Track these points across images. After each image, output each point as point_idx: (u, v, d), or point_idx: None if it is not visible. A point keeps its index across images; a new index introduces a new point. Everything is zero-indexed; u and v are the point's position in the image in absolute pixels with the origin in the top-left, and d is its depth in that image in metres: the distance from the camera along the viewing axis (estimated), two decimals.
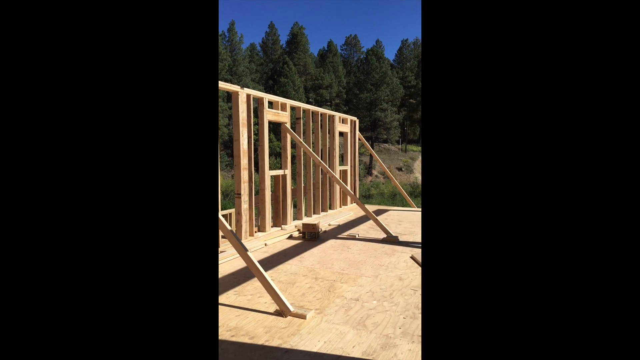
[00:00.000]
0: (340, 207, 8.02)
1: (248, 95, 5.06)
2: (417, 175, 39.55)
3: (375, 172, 39.14)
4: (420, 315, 2.72)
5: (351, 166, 8.38)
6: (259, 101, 5.46)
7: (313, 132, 7.13)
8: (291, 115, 6.45)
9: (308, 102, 43.68)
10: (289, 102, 6.06)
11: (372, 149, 42.47)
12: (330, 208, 7.68)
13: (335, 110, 43.53)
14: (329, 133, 7.52)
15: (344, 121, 8.03)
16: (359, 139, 8.66)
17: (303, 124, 6.58)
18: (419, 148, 46.28)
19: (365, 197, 29.97)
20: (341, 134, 8.44)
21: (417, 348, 2.27)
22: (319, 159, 6.22)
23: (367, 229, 5.88)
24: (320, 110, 7.08)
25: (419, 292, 3.20)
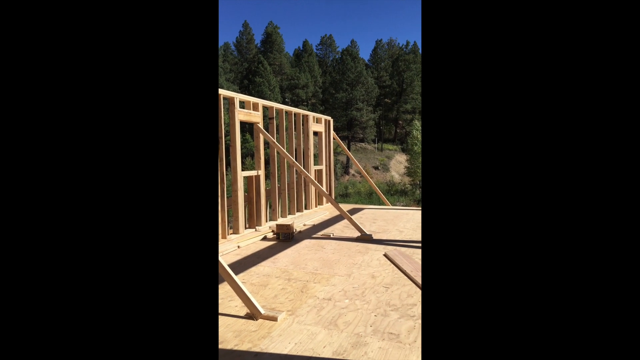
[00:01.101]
0: (316, 206, 8.01)
1: (218, 95, 4.96)
2: (393, 173, 40.17)
3: (352, 171, 39.45)
4: (391, 313, 2.75)
5: (326, 166, 8.39)
6: (230, 101, 5.37)
7: (287, 132, 7.09)
8: (264, 115, 6.39)
9: (284, 102, 43.48)
10: (261, 102, 5.99)
11: (349, 148, 42.81)
12: (305, 208, 7.66)
13: (312, 110, 43.57)
14: (303, 133, 7.49)
15: (318, 121, 8.03)
16: (334, 139, 8.69)
17: (276, 124, 6.53)
18: (395, 147, 47.03)
19: (342, 196, 30.15)
20: (315, 133, 8.44)
21: (387, 345, 2.29)
22: (293, 159, 6.19)
23: (342, 228, 5.90)
24: (294, 110, 7.05)
25: (391, 289, 3.23)
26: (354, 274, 3.67)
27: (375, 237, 5.23)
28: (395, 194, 30.54)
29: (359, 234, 5.25)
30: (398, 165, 42.11)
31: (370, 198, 27.88)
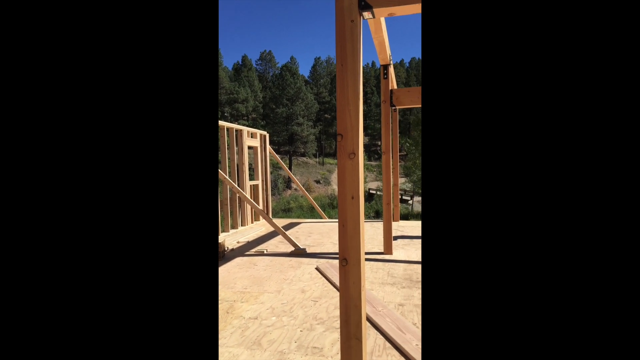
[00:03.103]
0: (252, 222, 7.85)
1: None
2: (335, 187, 40.99)
3: (294, 186, 39.51)
4: (317, 326, 2.74)
5: (262, 181, 8.29)
6: None
7: (219, 147, 6.89)
8: None
9: (223, 116, 42.55)
10: None
11: (291, 162, 42.92)
12: (241, 224, 7.46)
13: (252, 125, 43.11)
14: (237, 148, 7.35)
15: (253, 135, 7.95)
16: (270, 154, 8.64)
17: None
18: (335, 161, 48.15)
19: (284, 211, 29.99)
20: (251, 148, 8.33)
21: None
22: (226, 176, 6.03)
23: (276, 244, 5.83)
24: (227, 124, 6.90)
25: (319, 302, 3.24)
26: (284, 289, 3.62)
27: (309, 250, 5.25)
28: (337, 207, 31.13)
29: (293, 249, 5.23)
30: None
31: (313, 212, 28.11)
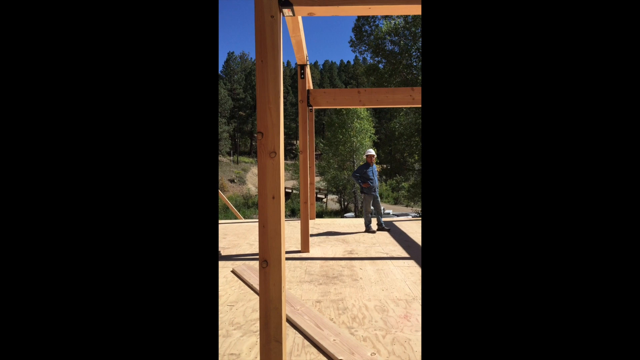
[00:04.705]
0: None
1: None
2: (250, 186, 40.26)
3: None
4: (233, 332, 2.63)
5: None
6: None
7: None
8: None
9: None
10: None
11: None
12: None
13: None
14: None
15: None
16: None
17: None
18: (251, 159, 47.35)
19: None
20: None
21: None
22: None
23: None
24: None
25: (236, 306, 3.12)
26: None
27: (224, 253, 5.03)
28: (252, 207, 30.61)
29: None
30: (254, 177, 42.46)
31: (227, 212, 27.16)
